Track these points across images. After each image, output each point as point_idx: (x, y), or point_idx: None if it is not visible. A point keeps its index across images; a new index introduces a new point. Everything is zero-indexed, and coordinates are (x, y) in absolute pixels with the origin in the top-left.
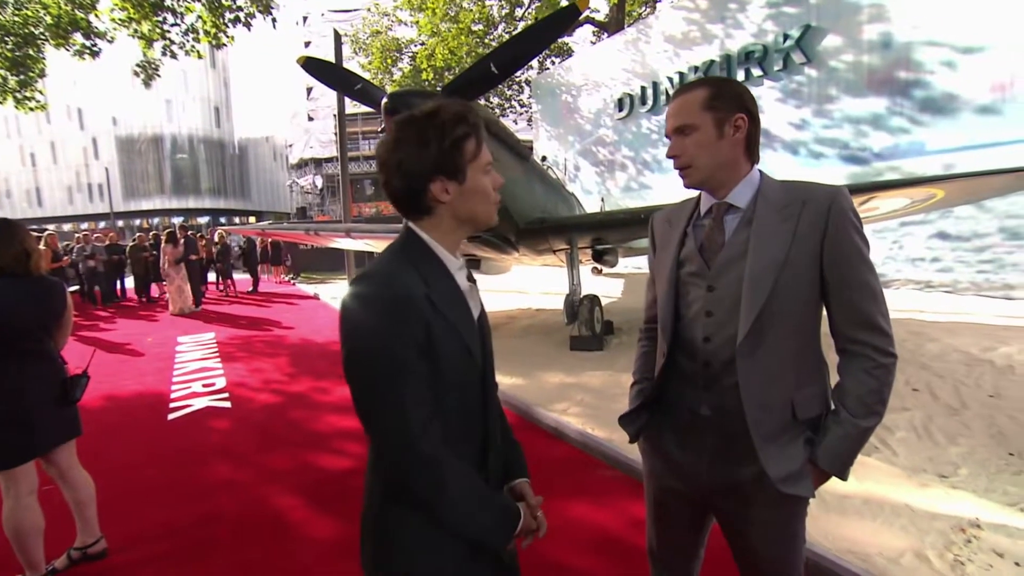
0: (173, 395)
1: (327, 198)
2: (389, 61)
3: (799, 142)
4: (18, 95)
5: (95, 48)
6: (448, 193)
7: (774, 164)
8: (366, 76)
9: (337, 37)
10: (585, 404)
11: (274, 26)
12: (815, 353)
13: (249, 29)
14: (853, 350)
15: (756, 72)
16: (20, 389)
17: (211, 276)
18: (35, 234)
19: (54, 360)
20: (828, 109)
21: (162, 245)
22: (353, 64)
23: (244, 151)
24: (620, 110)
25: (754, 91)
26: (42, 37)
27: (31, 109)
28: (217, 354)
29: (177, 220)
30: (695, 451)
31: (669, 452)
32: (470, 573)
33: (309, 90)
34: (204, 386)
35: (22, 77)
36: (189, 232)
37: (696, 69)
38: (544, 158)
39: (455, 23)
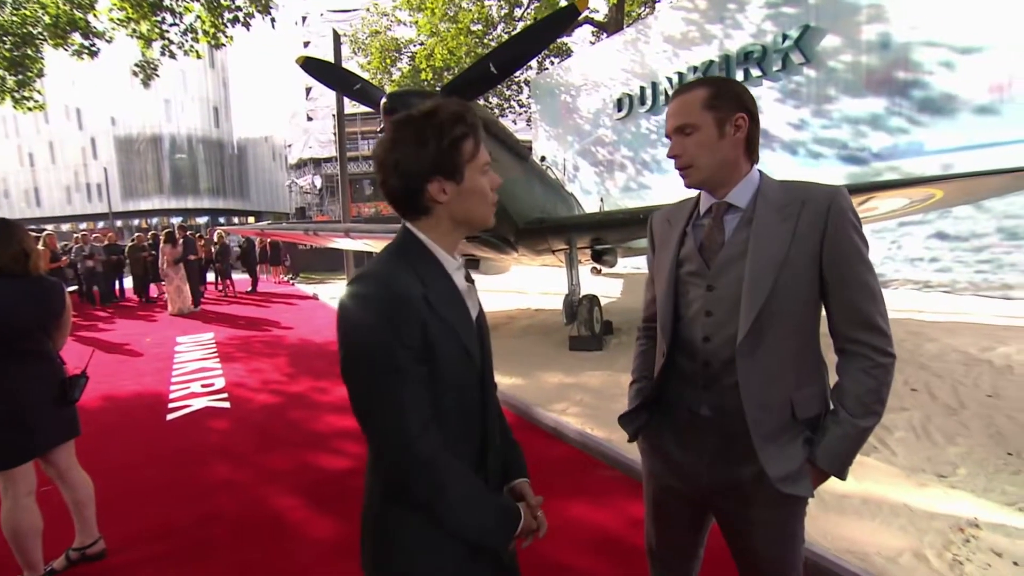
0: (172, 395)
1: (326, 198)
2: (388, 61)
3: (798, 142)
4: (16, 95)
5: (93, 48)
6: (446, 193)
7: (773, 164)
8: (365, 76)
9: (336, 37)
10: (584, 404)
11: (273, 26)
12: (814, 353)
13: (248, 29)
14: (852, 350)
15: (755, 72)
16: (19, 389)
17: (210, 276)
18: (33, 234)
19: (53, 360)
20: (827, 109)
21: (161, 245)
22: (352, 64)
23: (243, 151)
24: (619, 110)
25: (753, 91)
26: (40, 37)
27: (29, 109)
28: (216, 354)
29: (176, 220)
30: (694, 451)
31: (668, 452)
32: (470, 573)
33: (308, 90)
34: (203, 386)
35: (20, 77)
36: (188, 232)
37: (695, 69)
38: (543, 158)
39: (454, 23)
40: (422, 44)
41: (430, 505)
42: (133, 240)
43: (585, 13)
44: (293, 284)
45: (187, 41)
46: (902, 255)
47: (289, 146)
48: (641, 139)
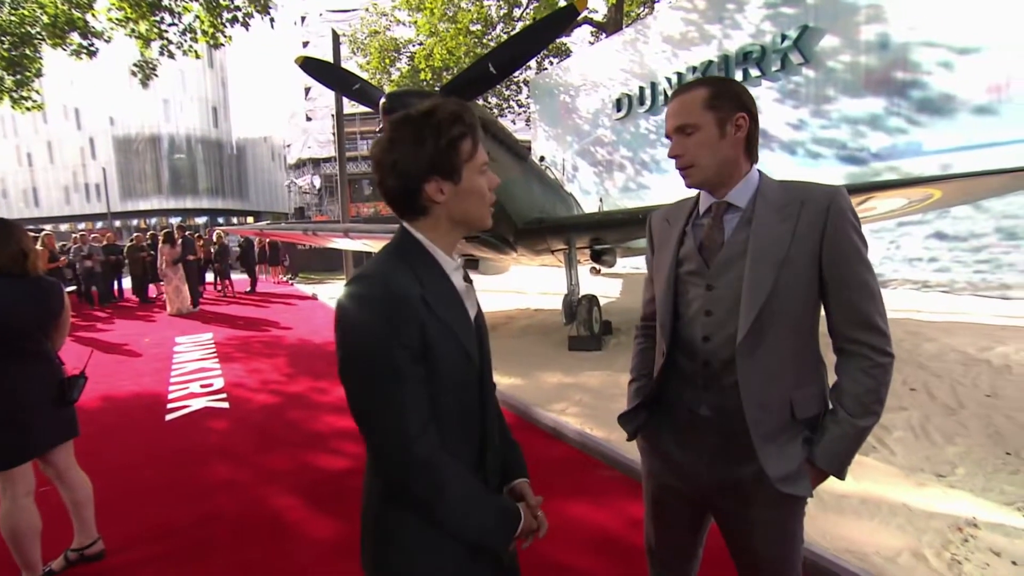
0: (171, 395)
1: (325, 198)
2: (387, 61)
3: (797, 142)
4: (15, 95)
5: (92, 48)
6: (443, 193)
7: (772, 164)
8: (364, 76)
9: (335, 37)
10: (583, 404)
11: (272, 26)
12: (813, 352)
13: (247, 29)
14: (851, 350)
15: (754, 72)
16: (17, 390)
17: (209, 276)
18: (32, 234)
19: (51, 361)
20: (826, 109)
21: (159, 245)
22: (351, 64)
23: (242, 151)
24: (618, 110)
25: (752, 91)
26: (39, 37)
27: (28, 109)
28: (215, 354)
29: (175, 220)
30: (694, 450)
31: (668, 451)
32: (470, 573)
33: (307, 90)
34: (202, 386)
35: (19, 77)
36: (187, 232)
37: (694, 70)
38: (542, 158)
39: (453, 23)
40: (421, 44)
41: (429, 506)
42: (132, 240)
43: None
44: (292, 284)
45: (186, 41)
46: (901, 255)
47: (288, 146)
48: (640, 139)
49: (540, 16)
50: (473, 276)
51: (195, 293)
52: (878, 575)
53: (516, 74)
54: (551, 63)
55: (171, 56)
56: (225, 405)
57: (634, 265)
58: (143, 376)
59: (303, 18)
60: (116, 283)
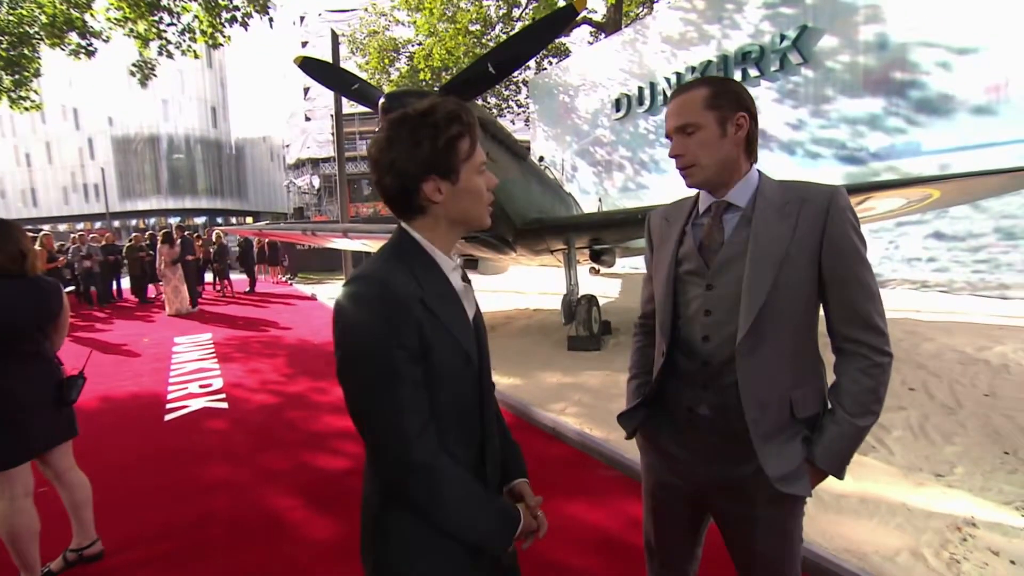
0: (170, 396)
1: (324, 198)
2: (386, 61)
3: (796, 142)
4: (13, 95)
5: (91, 48)
6: (441, 193)
7: (771, 164)
8: (363, 76)
9: (334, 37)
10: (583, 404)
11: (271, 26)
12: (813, 352)
13: (246, 29)
14: (849, 349)
15: (753, 72)
16: (16, 390)
17: (208, 276)
18: (30, 234)
19: (50, 361)
20: (825, 109)
21: (158, 245)
22: (350, 64)
23: (241, 151)
24: (617, 110)
25: (751, 91)
26: (37, 36)
27: (26, 109)
28: (214, 355)
29: (174, 220)
30: (693, 449)
31: (667, 450)
32: (469, 574)
33: (306, 90)
34: (201, 387)
35: (17, 77)
36: (185, 232)
37: (693, 70)
38: (541, 158)
39: (452, 23)
40: (420, 44)
41: (428, 508)
42: (131, 240)
43: (583, 13)
44: (291, 284)
45: (185, 41)
46: (900, 255)
47: (287, 146)
48: (639, 139)
49: (539, 16)
50: (472, 276)
51: (194, 293)
52: (877, 574)
53: (515, 74)
54: (550, 63)
55: (170, 56)
56: (224, 405)
57: (633, 265)
58: (142, 376)
59: (302, 18)
60: (115, 283)
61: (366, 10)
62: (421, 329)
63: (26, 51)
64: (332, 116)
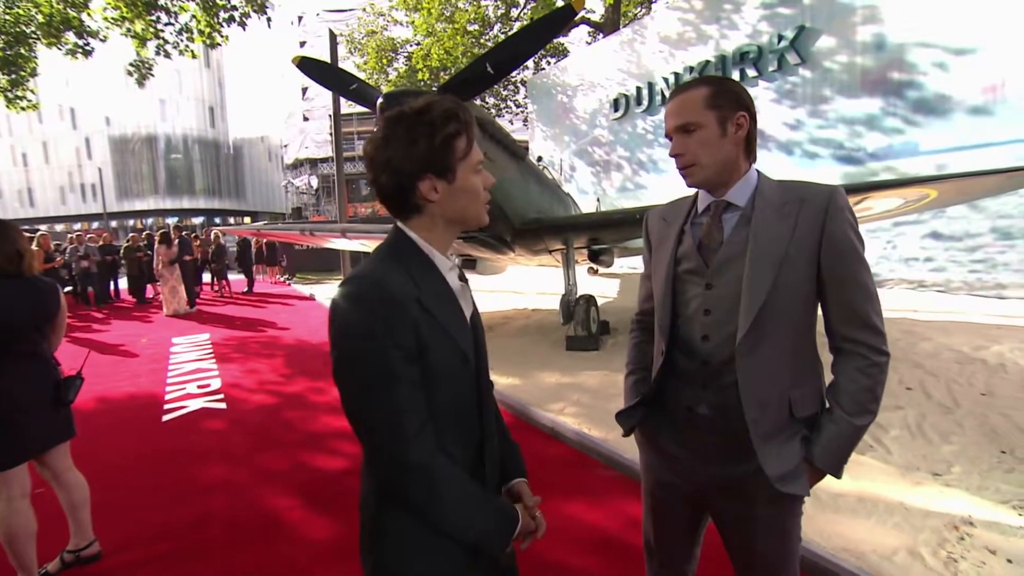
0: (168, 396)
1: (322, 198)
2: (384, 61)
3: (794, 142)
4: (9, 94)
5: (88, 47)
6: (437, 192)
7: (769, 164)
8: (361, 76)
9: (332, 37)
10: (581, 404)
11: (269, 26)
12: (811, 351)
13: (244, 29)
14: (847, 348)
15: (751, 72)
16: (13, 391)
17: (206, 277)
18: (27, 234)
19: (47, 362)
20: (822, 110)
21: (156, 246)
22: (348, 64)
23: (239, 151)
24: (616, 110)
25: (749, 91)
26: (34, 36)
27: (23, 109)
28: (212, 355)
29: (171, 220)
30: (693, 449)
31: (666, 449)
32: (467, 574)
33: (304, 90)
34: (199, 387)
35: (13, 76)
36: (183, 232)
37: (691, 70)
38: (540, 158)
39: (451, 23)
40: (418, 44)
41: (426, 508)
42: (128, 240)
43: (582, 13)
44: (289, 284)
45: (182, 41)
46: (897, 255)
47: (285, 146)
48: (637, 139)
49: (538, 16)
50: (470, 276)
51: (191, 294)
52: (875, 574)
53: (514, 74)
54: (548, 63)
55: (167, 56)
56: (222, 406)
57: (631, 265)
58: (140, 377)
59: (300, 18)
60: (112, 284)
61: (364, 10)
62: (418, 329)
63: (23, 50)
64: (330, 116)
